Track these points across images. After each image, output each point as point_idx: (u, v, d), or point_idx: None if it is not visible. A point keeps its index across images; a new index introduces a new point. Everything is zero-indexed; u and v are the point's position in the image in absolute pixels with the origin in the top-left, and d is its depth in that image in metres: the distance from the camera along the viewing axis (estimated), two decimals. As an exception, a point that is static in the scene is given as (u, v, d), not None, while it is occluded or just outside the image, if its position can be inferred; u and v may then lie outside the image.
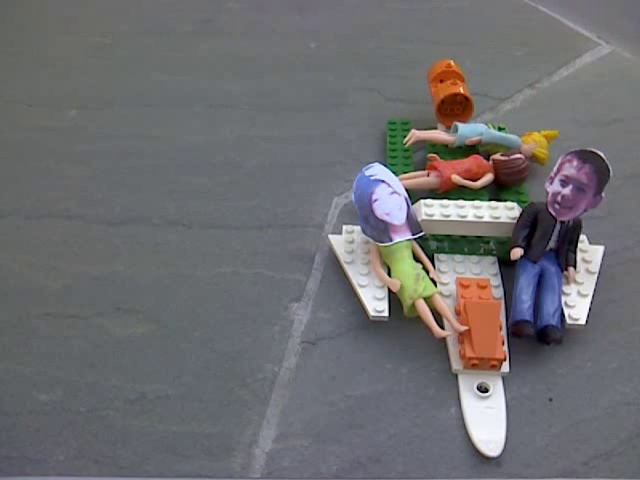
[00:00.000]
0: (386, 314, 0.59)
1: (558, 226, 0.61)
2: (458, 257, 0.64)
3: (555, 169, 0.62)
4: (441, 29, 1.01)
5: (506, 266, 0.63)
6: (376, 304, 0.59)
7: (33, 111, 0.85)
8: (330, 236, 0.66)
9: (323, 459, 0.51)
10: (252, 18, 1.03)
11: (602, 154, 0.59)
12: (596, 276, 0.62)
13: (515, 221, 0.62)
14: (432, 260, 0.63)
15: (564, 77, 0.92)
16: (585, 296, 0.60)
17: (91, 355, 0.58)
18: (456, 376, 0.56)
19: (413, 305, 0.57)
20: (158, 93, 0.88)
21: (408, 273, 0.59)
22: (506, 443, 0.52)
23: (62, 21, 1.02)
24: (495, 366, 0.55)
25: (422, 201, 0.64)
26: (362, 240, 0.65)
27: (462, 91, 0.76)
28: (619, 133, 0.81)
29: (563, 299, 0.59)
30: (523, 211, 0.62)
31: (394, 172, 0.65)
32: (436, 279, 0.61)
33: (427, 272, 0.60)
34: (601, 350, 0.59)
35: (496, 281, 0.62)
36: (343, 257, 0.64)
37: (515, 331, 0.58)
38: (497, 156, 0.71)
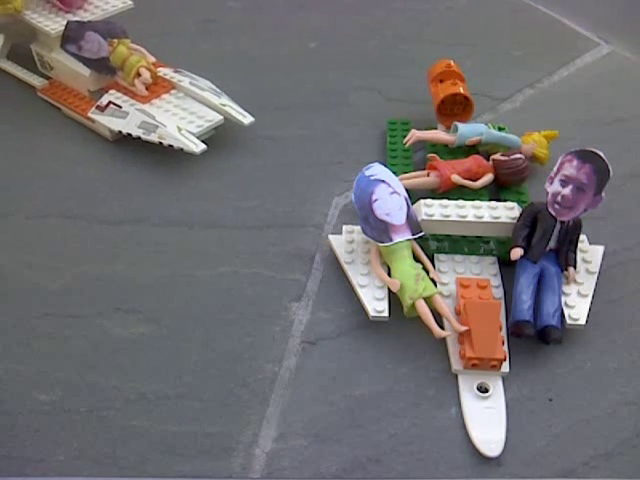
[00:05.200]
0: (386, 314, 0.59)
1: (558, 226, 0.61)
2: (458, 257, 0.64)
3: (555, 169, 0.62)
4: (441, 29, 1.01)
5: (506, 266, 0.63)
6: (376, 304, 0.59)
7: (34, 111, 0.85)
8: (330, 236, 0.66)
9: (323, 459, 0.51)
10: (252, 18, 1.03)
11: (602, 154, 0.59)
12: (596, 276, 0.62)
13: (515, 221, 0.62)
14: (432, 260, 0.63)
15: (564, 77, 0.92)
16: (585, 296, 0.60)
17: (91, 355, 0.58)
18: (456, 376, 0.56)
19: (413, 305, 0.57)
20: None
21: (408, 273, 0.59)
22: (506, 443, 0.52)
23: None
24: (495, 366, 0.55)
25: (422, 201, 0.64)
26: (362, 240, 0.65)
27: (462, 91, 0.76)
28: (619, 133, 0.81)
29: (563, 299, 0.59)
30: (523, 211, 0.62)
31: (394, 172, 0.66)
32: (436, 279, 0.61)
33: (427, 272, 0.60)
34: (601, 350, 0.59)
35: (496, 281, 0.62)
36: (343, 257, 0.64)
37: (515, 331, 0.58)
38: (497, 156, 0.71)
